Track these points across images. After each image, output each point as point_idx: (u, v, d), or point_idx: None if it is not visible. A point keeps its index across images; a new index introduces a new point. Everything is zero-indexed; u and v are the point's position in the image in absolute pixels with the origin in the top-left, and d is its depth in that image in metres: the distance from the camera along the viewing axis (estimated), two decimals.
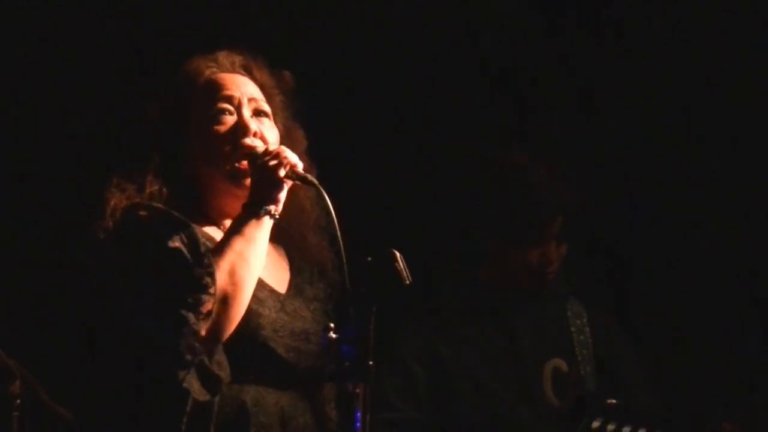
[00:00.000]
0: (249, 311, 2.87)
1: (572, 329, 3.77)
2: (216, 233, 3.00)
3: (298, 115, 3.19)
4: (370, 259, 2.85)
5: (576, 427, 3.25)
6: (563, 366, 3.73)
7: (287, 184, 2.95)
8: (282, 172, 2.92)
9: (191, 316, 2.75)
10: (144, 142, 3.06)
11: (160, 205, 2.95)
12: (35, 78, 4.08)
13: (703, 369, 4.46)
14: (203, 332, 2.77)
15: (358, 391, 2.79)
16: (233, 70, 3.12)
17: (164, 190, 2.99)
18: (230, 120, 3.04)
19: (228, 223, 3.03)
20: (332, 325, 2.82)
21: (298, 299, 3.03)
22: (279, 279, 3.08)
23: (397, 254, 2.85)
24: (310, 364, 2.98)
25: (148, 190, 2.97)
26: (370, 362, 2.78)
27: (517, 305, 3.76)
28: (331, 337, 2.81)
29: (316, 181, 2.92)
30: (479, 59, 4.61)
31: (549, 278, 3.74)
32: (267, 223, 2.92)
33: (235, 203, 3.01)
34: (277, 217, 2.93)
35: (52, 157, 4.05)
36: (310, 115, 3.81)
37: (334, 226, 2.87)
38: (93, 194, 3.02)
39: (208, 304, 2.77)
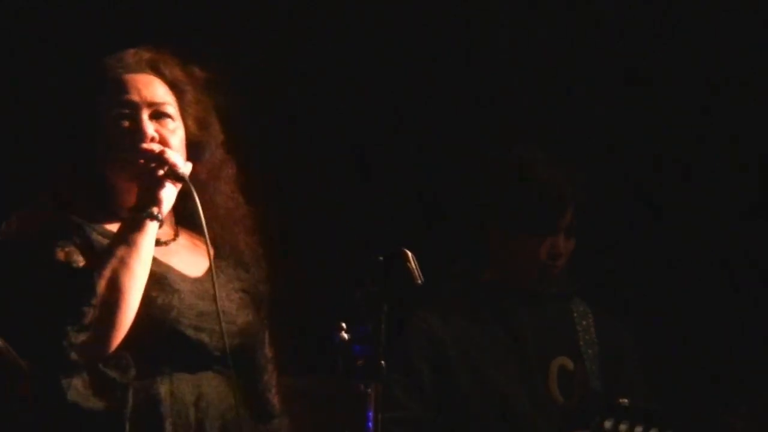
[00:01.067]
0: (151, 299, 2.87)
1: (578, 328, 3.77)
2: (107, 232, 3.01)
3: (216, 108, 3.17)
4: (381, 258, 2.85)
5: (582, 425, 3.24)
6: (569, 364, 3.73)
7: (172, 185, 2.96)
8: (161, 172, 2.94)
9: (70, 329, 2.74)
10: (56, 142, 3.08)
11: (50, 210, 2.95)
12: None
13: (704, 369, 4.46)
14: (88, 342, 2.76)
15: (369, 391, 2.79)
16: (139, 70, 3.11)
17: (64, 191, 3.00)
18: (129, 124, 3.05)
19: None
20: (344, 324, 2.83)
21: (210, 281, 3.01)
22: (193, 264, 3.08)
23: (409, 254, 2.85)
24: (229, 344, 2.95)
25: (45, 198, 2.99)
26: (382, 362, 2.78)
27: (521, 304, 3.76)
28: (343, 337, 2.81)
29: (186, 178, 2.93)
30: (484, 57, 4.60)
31: (555, 273, 3.74)
32: (150, 225, 2.92)
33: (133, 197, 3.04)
34: (161, 218, 2.94)
35: None
36: (312, 114, 3.81)
37: (200, 221, 2.95)
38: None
39: (87, 316, 2.76)
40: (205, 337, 2.93)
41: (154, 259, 2.92)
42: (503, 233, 3.75)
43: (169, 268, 2.99)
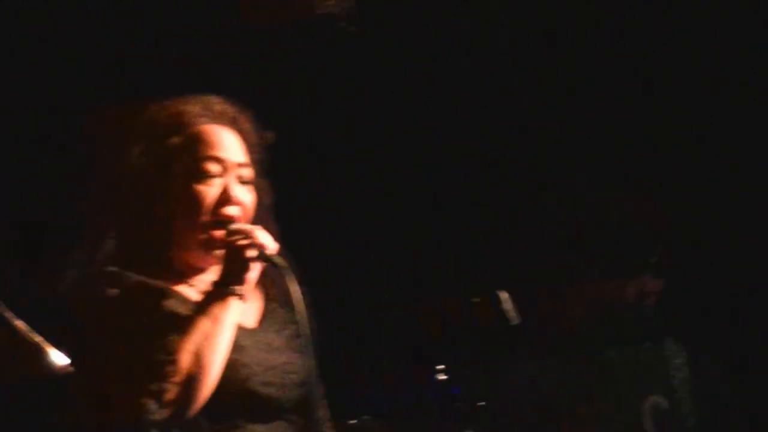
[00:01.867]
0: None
1: (671, 367, 3.76)
2: (184, 288, 2.95)
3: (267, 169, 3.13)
4: (476, 300, 2.88)
5: None
6: (663, 403, 3.72)
7: (256, 266, 2.90)
8: (251, 253, 2.88)
9: (152, 405, 2.74)
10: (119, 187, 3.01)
11: (129, 274, 2.90)
12: None
13: None
14: (168, 414, 2.76)
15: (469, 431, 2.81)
16: (224, 123, 3.03)
17: (125, 245, 2.95)
18: (215, 183, 2.97)
19: (194, 277, 3.00)
20: (442, 366, 2.86)
21: (270, 329, 3.00)
22: (250, 311, 3.06)
23: (503, 295, 2.88)
24: (294, 395, 2.96)
25: (106, 252, 2.93)
26: (481, 403, 2.81)
27: (614, 343, 3.77)
28: (441, 378, 2.84)
29: (285, 264, 2.78)
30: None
31: (645, 312, 3.74)
32: (234, 303, 2.88)
33: (203, 262, 2.98)
34: (245, 297, 2.90)
35: None
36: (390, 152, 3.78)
37: (300, 312, 2.73)
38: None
39: (171, 393, 2.75)
40: (274, 392, 2.92)
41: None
42: (592, 271, 3.77)
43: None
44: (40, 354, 3.06)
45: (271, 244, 2.76)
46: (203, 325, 2.72)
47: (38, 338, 3.03)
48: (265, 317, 2.87)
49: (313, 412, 2.90)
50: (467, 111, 4.39)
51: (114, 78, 3.90)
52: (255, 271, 2.78)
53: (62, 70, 3.97)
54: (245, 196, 2.86)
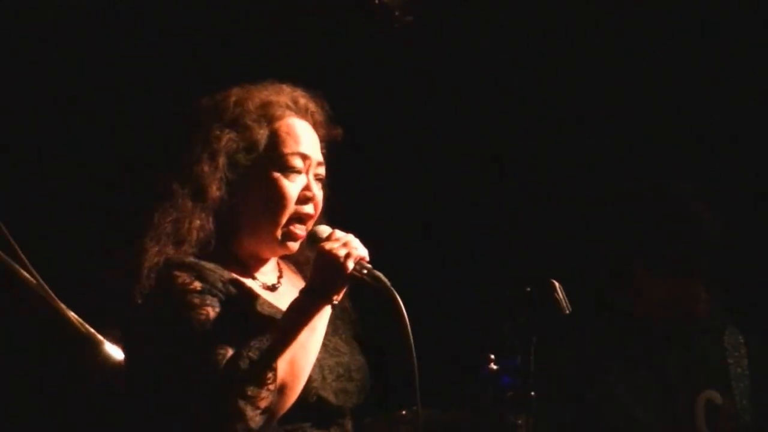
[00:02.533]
0: None
1: (729, 361, 3.69)
2: (243, 278, 2.94)
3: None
4: (529, 289, 2.85)
5: None
6: (717, 398, 3.65)
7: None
8: (350, 265, 2.84)
9: (248, 410, 2.72)
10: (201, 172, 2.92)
11: (192, 260, 2.87)
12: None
13: None
14: (260, 419, 2.73)
15: (520, 422, 2.79)
16: (305, 117, 3.03)
17: (201, 235, 2.88)
18: (297, 179, 2.97)
19: (256, 266, 2.98)
20: (492, 356, 2.83)
21: (335, 334, 2.99)
22: None
23: (557, 284, 2.84)
24: (354, 402, 2.94)
25: (181, 239, 2.89)
26: (532, 393, 2.78)
27: (667, 339, 3.72)
28: (492, 368, 2.82)
29: (387, 282, 2.78)
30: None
31: (700, 313, 3.70)
32: (328, 311, 2.87)
33: (269, 253, 2.98)
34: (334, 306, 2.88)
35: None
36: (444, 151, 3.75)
37: (405, 332, 2.73)
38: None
39: (266, 400, 2.74)
40: (341, 400, 2.93)
41: (274, 312, 2.90)
42: (650, 271, 3.73)
43: None
44: (95, 346, 3.10)
45: (367, 257, 2.74)
46: (301, 334, 2.73)
47: (92, 330, 3.07)
48: (330, 324, 2.85)
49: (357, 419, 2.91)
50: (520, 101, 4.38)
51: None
52: (346, 283, 2.76)
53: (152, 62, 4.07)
54: (320, 194, 2.89)
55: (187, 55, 4.13)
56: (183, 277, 2.79)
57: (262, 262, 2.97)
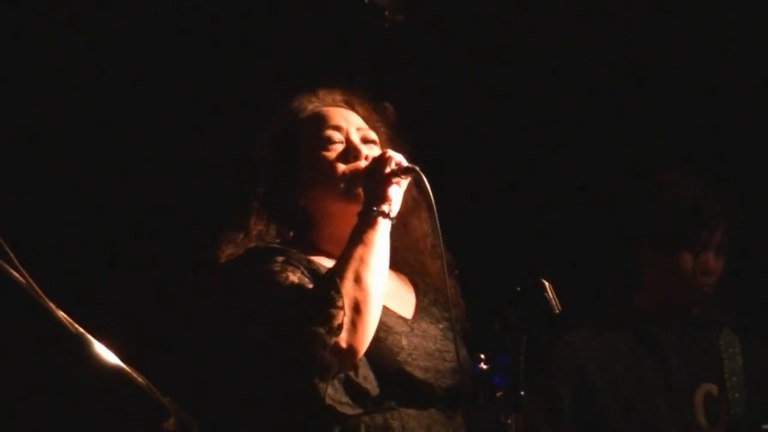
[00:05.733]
0: (380, 340, 2.88)
1: (723, 356, 3.71)
2: (330, 263, 2.99)
3: (401, 146, 3.18)
4: (519, 288, 2.84)
5: None
6: (715, 391, 3.68)
7: (398, 182, 2.95)
8: (387, 169, 2.92)
9: (322, 330, 2.75)
10: (247, 182, 3.09)
11: (275, 244, 2.97)
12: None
13: None
14: (342, 344, 2.77)
15: (509, 421, 2.78)
16: (334, 105, 3.15)
17: (271, 227, 3.01)
18: (339, 147, 3.06)
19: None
20: (482, 355, 2.83)
21: (425, 320, 3.03)
22: (404, 305, 3.08)
23: (547, 284, 2.84)
24: (448, 383, 2.97)
25: (254, 232, 3.00)
26: (522, 392, 2.77)
27: (668, 332, 3.74)
28: (482, 368, 2.82)
29: (416, 168, 2.90)
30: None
31: (706, 292, 3.70)
32: (383, 223, 2.91)
33: (344, 220, 3.02)
34: (393, 216, 2.93)
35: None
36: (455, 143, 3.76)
37: (432, 209, 2.91)
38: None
39: (338, 318, 2.77)
40: (431, 377, 2.95)
41: None
42: (653, 251, 3.74)
43: (387, 309, 3.00)
44: (85, 346, 3.09)
45: (404, 161, 2.80)
46: (357, 250, 2.78)
47: (82, 330, 3.06)
48: (419, 310, 2.92)
49: (465, 403, 2.91)
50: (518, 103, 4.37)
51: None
52: (396, 189, 2.81)
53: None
54: (370, 151, 2.94)
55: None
56: (265, 253, 2.92)
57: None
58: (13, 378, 3.62)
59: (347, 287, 2.81)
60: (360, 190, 3.00)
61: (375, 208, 2.91)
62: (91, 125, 4.15)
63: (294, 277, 2.87)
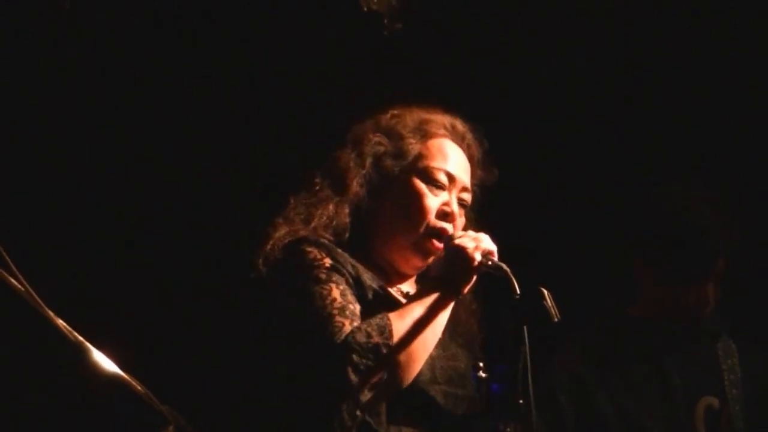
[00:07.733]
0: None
1: (723, 368, 3.69)
2: (376, 281, 2.96)
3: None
4: (517, 297, 2.84)
5: None
6: (716, 404, 3.65)
7: (481, 271, 2.91)
8: (478, 257, 2.88)
9: (357, 382, 2.71)
10: (344, 169, 3.04)
11: (325, 240, 2.93)
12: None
13: None
14: (367, 398, 2.73)
15: (508, 429, 2.78)
16: (460, 143, 3.09)
17: (335, 222, 2.98)
18: (440, 194, 3.00)
19: (391, 276, 3.00)
20: (482, 364, 2.83)
21: (454, 341, 3.01)
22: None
23: (545, 292, 2.84)
24: (463, 410, 2.96)
25: (314, 223, 2.97)
26: (520, 401, 2.77)
27: (667, 343, 3.70)
28: (481, 376, 2.82)
29: (509, 272, 2.84)
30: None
31: (702, 315, 3.68)
32: (451, 305, 2.90)
33: (404, 265, 3.00)
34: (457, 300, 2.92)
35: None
36: None
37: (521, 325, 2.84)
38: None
39: (377, 376, 2.74)
40: (450, 404, 2.94)
41: (399, 304, 2.91)
42: (653, 277, 3.71)
43: None
44: (84, 354, 3.09)
45: (496, 252, 2.77)
46: (424, 320, 2.73)
47: (81, 338, 3.06)
48: (450, 330, 2.86)
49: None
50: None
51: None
52: (474, 275, 2.77)
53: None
54: (460, 218, 2.91)
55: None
56: (314, 252, 2.88)
57: (400, 275, 2.99)
58: (13, 386, 3.62)
59: (397, 348, 2.76)
60: (430, 246, 2.97)
61: (458, 288, 2.88)
62: (90, 125, 4.12)
63: (336, 292, 2.83)
